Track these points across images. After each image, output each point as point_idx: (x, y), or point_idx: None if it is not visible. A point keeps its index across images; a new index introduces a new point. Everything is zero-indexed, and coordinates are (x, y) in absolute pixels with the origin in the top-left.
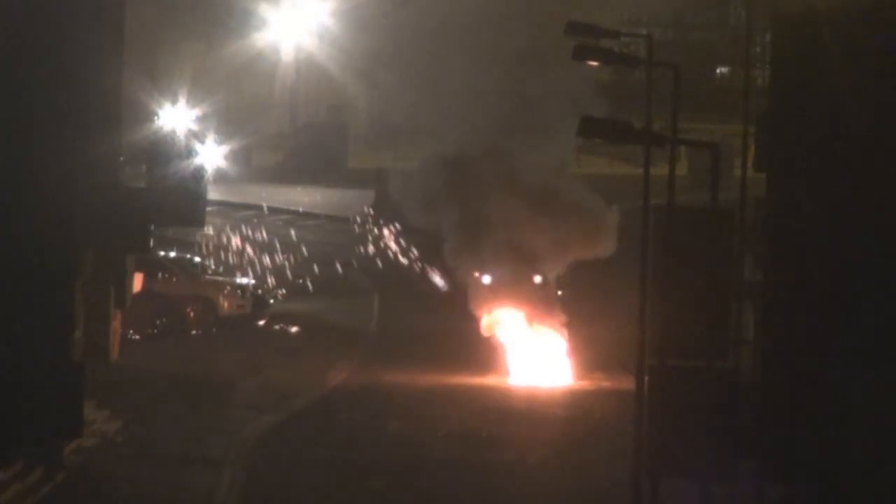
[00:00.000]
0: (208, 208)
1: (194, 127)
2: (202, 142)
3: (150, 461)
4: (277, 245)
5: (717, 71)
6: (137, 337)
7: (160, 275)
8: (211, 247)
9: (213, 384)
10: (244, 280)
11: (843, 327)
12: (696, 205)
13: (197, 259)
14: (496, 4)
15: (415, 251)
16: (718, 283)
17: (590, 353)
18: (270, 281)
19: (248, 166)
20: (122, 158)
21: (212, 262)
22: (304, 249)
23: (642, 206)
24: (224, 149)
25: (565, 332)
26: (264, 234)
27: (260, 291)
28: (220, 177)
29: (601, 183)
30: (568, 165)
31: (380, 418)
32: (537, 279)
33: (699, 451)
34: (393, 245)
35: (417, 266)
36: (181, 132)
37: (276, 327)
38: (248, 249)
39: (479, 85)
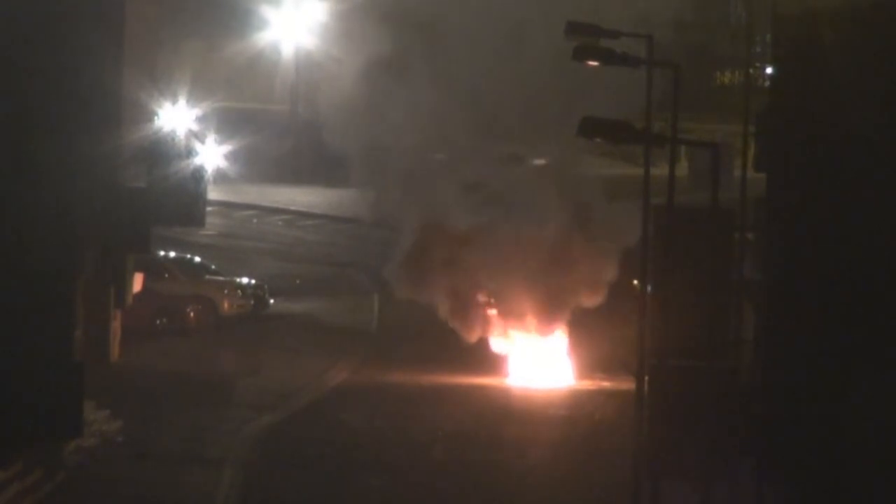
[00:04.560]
0: (208, 208)
1: (194, 127)
2: (202, 142)
3: (150, 461)
4: (277, 245)
5: (717, 71)
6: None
7: (160, 275)
8: (211, 246)
9: (213, 384)
10: (244, 280)
11: (843, 327)
12: (696, 205)
13: (197, 259)
14: (505, 8)
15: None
16: (718, 283)
17: (591, 353)
18: (270, 281)
19: (249, 166)
20: (122, 158)
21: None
22: (303, 249)
23: (642, 206)
24: (224, 149)
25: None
26: (264, 234)
27: (260, 291)
28: (220, 177)
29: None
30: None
31: (379, 418)
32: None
33: (699, 451)
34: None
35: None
36: (181, 132)
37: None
38: (248, 249)
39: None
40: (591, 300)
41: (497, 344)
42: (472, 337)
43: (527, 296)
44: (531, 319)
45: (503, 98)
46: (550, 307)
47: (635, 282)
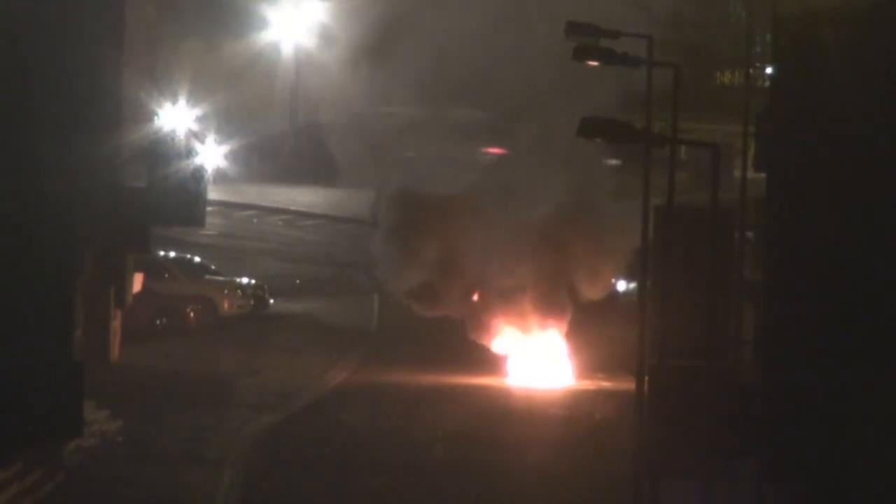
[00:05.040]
0: (208, 208)
1: (194, 127)
2: (202, 142)
3: (150, 461)
4: (277, 245)
5: (717, 71)
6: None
7: (160, 275)
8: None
9: (212, 384)
10: (244, 280)
11: (843, 327)
12: (696, 205)
13: (197, 259)
14: (505, 9)
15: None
16: (718, 283)
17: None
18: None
19: (248, 166)
20: (121, 158)
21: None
22: (303, 249)
23: (642, 206)
24: (224, 149)
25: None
26: (264, 234)
27: (260, 291)
28: (220, 177)
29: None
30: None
31: (380, 418)
32: None
33: (699, 451)
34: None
35: None
36: (181, 132)
37: None
38: (248, 249)
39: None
40: (591, 294)
41: (496, 343)
42: (431, 313)
43: (519, 281)
44: (528, 309)
45: (503, 97)
46: (549, 299)
47: (612, 280)
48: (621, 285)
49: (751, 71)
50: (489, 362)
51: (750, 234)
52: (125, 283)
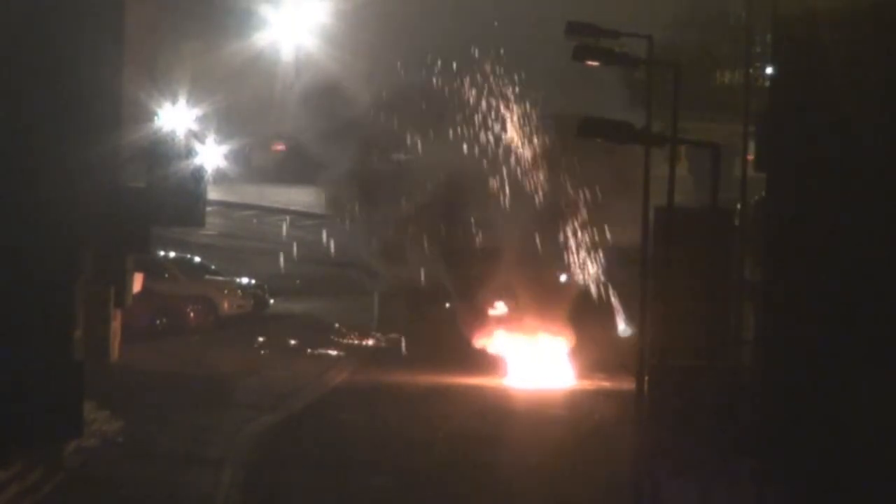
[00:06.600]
0: (208, 208)
1: (194, 127)
2: (202, 142)
3: (150, 461)
4: (277, 245)
5: (717, 71)
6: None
7: (160, 275)
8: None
9: (213, 384)
10: (244, 280)
11: (843, 327)
12: (697, 205)
13: (197, 259)
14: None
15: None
16: (718, 283)
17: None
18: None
19: (248, 166)
20: (121, 158)
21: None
22: (303, 249)
23: (642, 207)
24: (224, 149)
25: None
26: (264, 234)
27: (260, 291)
28: (220, 177)
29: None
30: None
31: (380, 418)
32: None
33: (699, 451)
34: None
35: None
36: (181, 132)
37: None
38: (248, 249)
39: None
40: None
41: (496, 344)
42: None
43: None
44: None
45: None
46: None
47: (560, 275)
48: (563, 278)
49: (751, 71)
50: (489, 362)
51: (750, 234)
52: (125, 283)
